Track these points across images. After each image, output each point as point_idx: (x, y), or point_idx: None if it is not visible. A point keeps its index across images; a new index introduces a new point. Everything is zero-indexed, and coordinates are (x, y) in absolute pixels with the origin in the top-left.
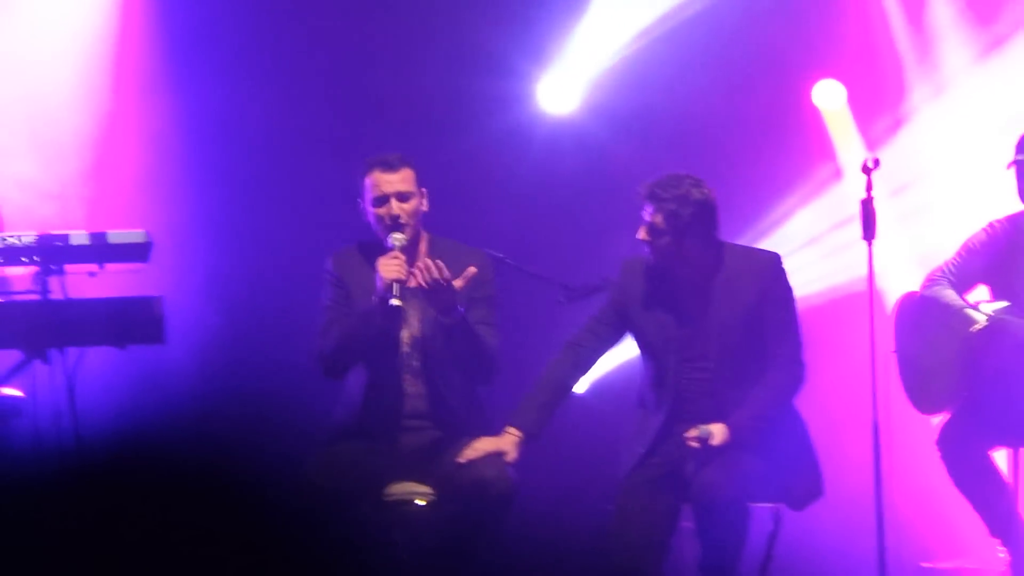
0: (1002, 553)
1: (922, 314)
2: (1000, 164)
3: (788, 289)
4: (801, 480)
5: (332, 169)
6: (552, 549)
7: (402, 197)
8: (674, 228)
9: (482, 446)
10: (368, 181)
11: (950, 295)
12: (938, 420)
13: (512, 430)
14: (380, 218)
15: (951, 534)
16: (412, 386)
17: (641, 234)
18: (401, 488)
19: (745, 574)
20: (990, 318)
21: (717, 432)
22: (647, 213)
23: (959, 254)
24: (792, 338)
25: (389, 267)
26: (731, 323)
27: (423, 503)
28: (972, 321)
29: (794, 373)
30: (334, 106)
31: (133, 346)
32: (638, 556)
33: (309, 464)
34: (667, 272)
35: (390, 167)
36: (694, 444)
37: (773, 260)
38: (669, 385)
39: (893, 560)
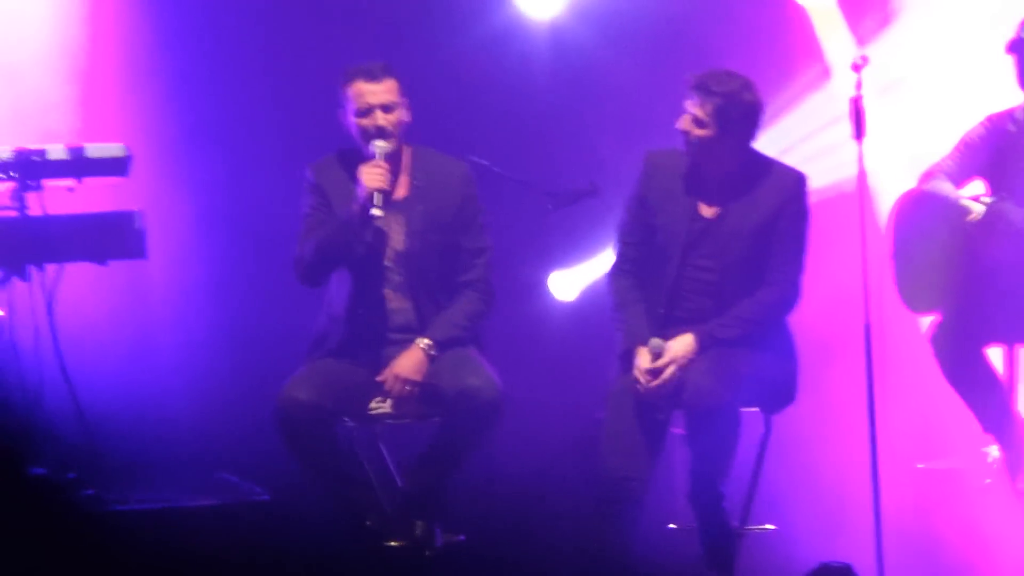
0: (996, 451)
1: (920, 210)
2: (995, 55)
3: (806, 212)
4: (776, 386)
5: (313, 78)
6: (542, 458)
7: (387, 108)
8: (717, 123)
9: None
10: (351, 91)
11: (947, 188)
12: (930, 320)
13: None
14: (364, 129)
15: (945, 434)
16: (396, 300)
17: (684, 123)
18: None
19: (736, 479)
20: (988, 206)
21: (676, 347)
22: (692, 104)
23: (957, 149)
24: (795, 261)
25: (372, 175)
26: (744, 230)
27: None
28: (968, 211)
29: (787, 296)
30: (314, 14)
31: (114, 261)
32: (629, 463)
33: (291, 379)
34: (694, 167)
35: (373, 77)
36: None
37: (799, 179)
38: (668, 283)
39: (887, 462)
